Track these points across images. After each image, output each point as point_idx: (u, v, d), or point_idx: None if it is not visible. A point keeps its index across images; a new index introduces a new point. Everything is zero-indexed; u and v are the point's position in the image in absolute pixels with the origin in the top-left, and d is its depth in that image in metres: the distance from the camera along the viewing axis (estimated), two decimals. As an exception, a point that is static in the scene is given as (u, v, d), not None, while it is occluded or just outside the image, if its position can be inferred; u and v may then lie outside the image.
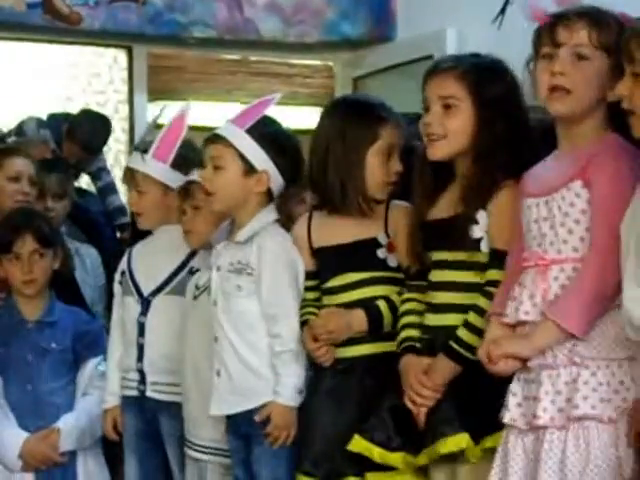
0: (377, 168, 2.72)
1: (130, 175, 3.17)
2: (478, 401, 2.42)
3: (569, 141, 2.35)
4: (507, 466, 2.29)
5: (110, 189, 4.81)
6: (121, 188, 4.90)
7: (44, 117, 4.76)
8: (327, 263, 2.80)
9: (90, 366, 3.34)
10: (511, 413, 2.29)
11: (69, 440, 3.29)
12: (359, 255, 2.75)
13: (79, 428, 3.31)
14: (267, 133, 2.82)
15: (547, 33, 2.31)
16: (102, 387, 3.26)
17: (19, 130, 4.55)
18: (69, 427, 3.30)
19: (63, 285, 3.49)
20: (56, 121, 4.68)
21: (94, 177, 4.78)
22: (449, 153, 2.56)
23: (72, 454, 3.33)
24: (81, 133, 4.61)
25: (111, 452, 3.38)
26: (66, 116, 4.71)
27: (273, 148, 2.81)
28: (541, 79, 2.33)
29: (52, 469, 3.30)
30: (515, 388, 2.31)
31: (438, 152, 2.57)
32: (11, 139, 4.50)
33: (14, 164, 3.76)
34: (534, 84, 2.37)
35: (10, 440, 3.27)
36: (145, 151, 3.13)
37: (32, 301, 3.34)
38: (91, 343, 3.37)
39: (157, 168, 3.11)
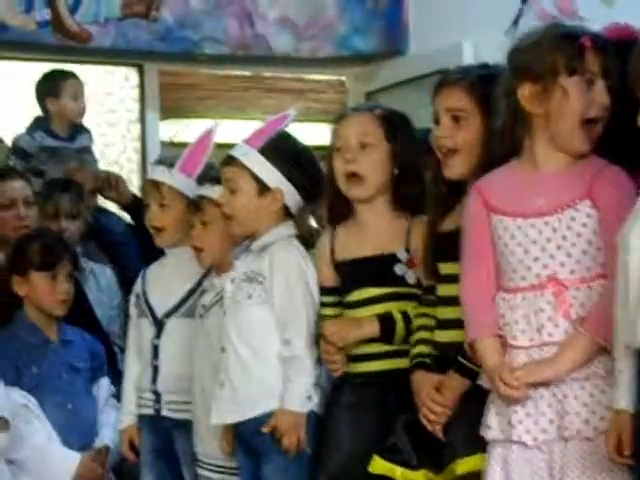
0: None
1: (153, 188, 3.14)
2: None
3: (545, 161, 2.32)
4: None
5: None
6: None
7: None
8: (347, 276, 2.80)
9: (104, 385, 3.36)
10: (518, 430, 2.27)
11: (113, 456, 3.31)
12: (377, 270, 2.74)
13: (115, 444, 3.32)
14: (280, 150, 2.83)
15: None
16: (118, 406, 3.28)
17: (17, 149, 4.49)
18: (113, 444, 3.31)
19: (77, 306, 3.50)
20: (39, 122, 4.61)
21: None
22: (465, 170, 2.54)
23: None
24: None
25: (128, 473, 3.37)
26: (41, 114, 4.65)
27: (287, 164, 2.82)
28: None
29: None
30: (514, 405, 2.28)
31: (455, 171, 2.55)
32: (13, 161, 4.43)
33: (5, 190, 3.71)
34: None
35: (62, 461, 3.24)
36: (171, 165, 3.12)
37: (51, 321, 3.35)
38: (102, 363, 3.41)
39: (184, 181, 3.10)
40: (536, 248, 2.29)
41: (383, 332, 2.69)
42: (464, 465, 2.40)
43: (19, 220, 3.70)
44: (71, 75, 4.62)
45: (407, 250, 2.72)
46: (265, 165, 2.80)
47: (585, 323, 2.25)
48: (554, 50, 2.29)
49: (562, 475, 2.24)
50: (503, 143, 2.39)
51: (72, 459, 3.24)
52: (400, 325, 2.68)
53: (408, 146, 2.76)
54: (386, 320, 2.69)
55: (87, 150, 4.60)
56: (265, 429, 2.73)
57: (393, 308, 2.71)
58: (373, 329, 2.70)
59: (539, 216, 2.29)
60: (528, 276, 2.30)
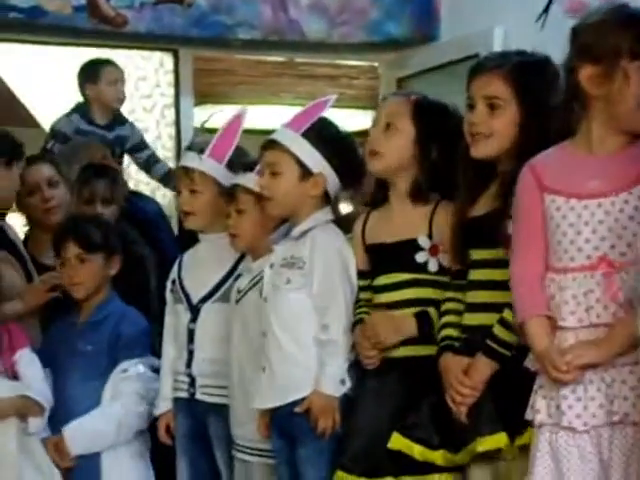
0: None
1: (184, 174, 3.17)
2: (513, 399, 2.41)
3: (601, 143, 2.32)
4: (560, 465, 2.28)
5: (155, 158, 4.80)
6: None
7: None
8: (375, 261, 2.82)
9: (117, 370, 3.29)
10: (568, 416, 2.27)
11: (78, 444, 3.23)
12: (399, 256, 2.76)
13: (91, 432, 3.24)
14: (323, 135, 2.84)
15: None
16: (129, 391, 3.25)
17: (54, 132, 4.56)
18: (76, 432, 3.23)
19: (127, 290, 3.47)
20: (79, 106, 4.67)
21: (135, 150, 4.77)
22: (492, 152, 2.56)
23: (97, 455, 3.27)
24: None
25: (164, 457, 3.35)
26: (82, 100, 4.71)
27: (329, 150, 2.83)
28: None
29: (75, 470, 3.25)
30: (564, 390, 2.28)
31: (481, 151, 2.56)
32: (50, 144, 4.50)
33: (29, 176, 3.72)
34: None
35: None
36: (201, 151, 3.14)
37: (87, 303, 3.36)
38: (125, 345, 3.30)
39: (214, 167, 3.12)
40: (588, 229, 2.28)
41: (421, 333, 2.71)
42: (485, 443, 2.43)
43: (45, 202, 3.73)
44: (110, 62, 4.72)
45: (430, 237, 2.74)
46: (309, 150, 2.82)
47: (634, 307, 2.22)
48: (618, 32, 2.25)
49: (610, 460, 2.23)
50: (561, 121, 2.37)
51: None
52: (437, 324, 2.69)
53: (437, 135, 2.75)
54: (424, 322, 2.71)
55: (121, 141, 4.67)
56: (298, 409, 2.75)
57: (418, 294, 2.72)
58: (411, 330, 2.71)
59: (593, 197, 2.28)
60: (578, 257, 2.29)
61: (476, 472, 2.52)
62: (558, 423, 2.27)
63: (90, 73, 4.64)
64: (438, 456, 2.55)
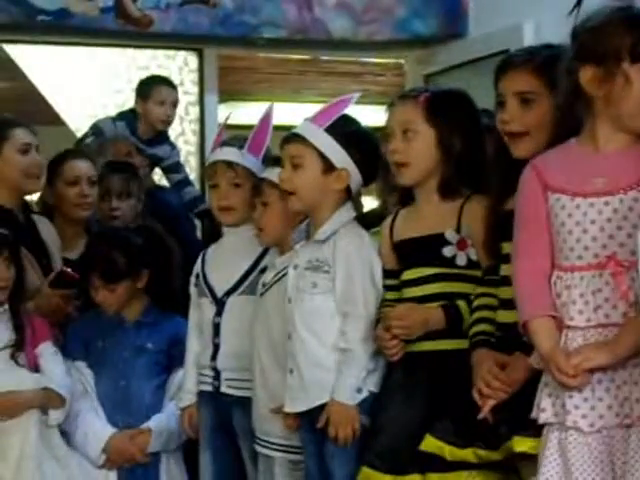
0: None
1: (226, 169, 3.15)
2: None
3: (607, 141, 2.29)
4: (569, 465, 2.24)
5: (186, 182, 4.84)
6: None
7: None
8: (403, 256, 2.80)
9: (181, 374, 3.35)
10: (573, 415, 2.23)
11: (158, 441, 3.33)
12: (427, 250, 2.74)
13: (168, 431, 3.35)
14: (346, 131, 2.84)
15: None
16: None
17: (96, 129, 4.60)
18: (160, 429, 3.33)
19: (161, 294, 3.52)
20: (127, 115, 4.72)
21: (168, 171, 4.80)
22: (534, 150, 2.51)
23: (155, 455, 3.36)
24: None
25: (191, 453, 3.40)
26: (133, 110, 4.74)
27: (353, 146, 2.82)
28: None
29: (135, 468, 3.33)
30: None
31: (523, 151, 2.53)
32: (89, 140, 4.54)
33: (71, 168, 3.79)
34: None
35: (97, 433, 3.30)
36: (241, 146, 3.15)
37: (129, 305, 3.41)
38: (181, 354, 3.37)
39: (253, 161, 3.14)
40: (595, 228, 2.25)
41: (449, 325, 2.68)
42: (522, 444, 2.38)
43: (82, 197, 3.77)
44: (165, 82, 4.74)
45: (458, 231, 2.71)
46: (332, 145, 2.81)
47: None
48: (619, 34, 2.24)
49: (624, 464, 2.18)
50: (563, 122, 2.36)
51: (105, 432, 3.29)
52: (467, 317, 2.66)
53: (459, 129, 2.73)
54: (452, 314, 2.68)
55: (157, 160, 4.69)
56: (318, 425, 2.74)
57: (446, 288, 2.70)
58: (439, 322, 2.68)
59: (599, 196, 2.26)
60: (585, 255, 2.26)
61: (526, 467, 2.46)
62: (564, 423, 2.23)
63: (143, 89, 4.69)
64: (469, 453, 2.51)
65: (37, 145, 3.61)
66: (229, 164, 3.14)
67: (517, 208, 2.38)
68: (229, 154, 3.17)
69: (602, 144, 2.30)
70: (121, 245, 3.42)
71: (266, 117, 3.14)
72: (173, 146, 4.83)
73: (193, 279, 3.26)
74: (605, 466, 2.21)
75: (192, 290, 3.27)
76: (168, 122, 4.72)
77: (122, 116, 4.68)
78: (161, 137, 4.72)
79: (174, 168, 4.79)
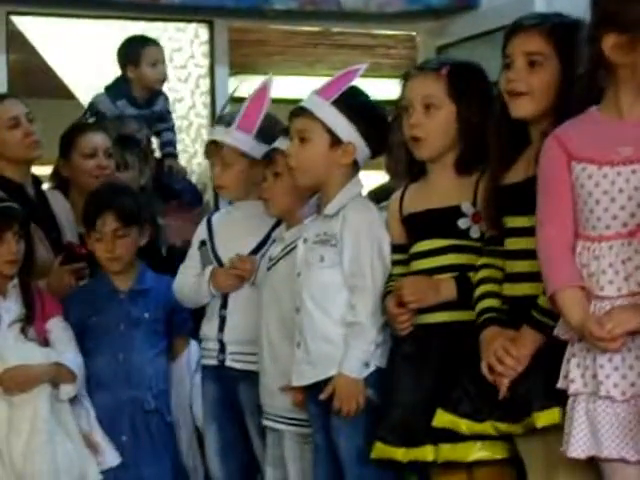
0: None
1: (214, 148, 3.17)
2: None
3: (631, 109, 2.27)
4: (598, 435, 2.24)
5: (170, 128, 4.76)
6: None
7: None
8: (413, 229, 2.78)
9: (194, 350, 3.39)
10: (605, 385, 2.23)
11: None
12: (441, 222, 2.72)
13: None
14: (353, 104, 2.81)
15: None
16: None
17: (92, 108, 4.56)
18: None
19: (152, 258, 3.53)
20: (121, 88, 4.65)
21: (161, 121, 4.74)
22: (531, 111, 2.50)
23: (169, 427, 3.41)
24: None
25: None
26: (123, 78, 4.70)
27: (360, 119, 2.80)
28: None
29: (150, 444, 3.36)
30: (600, 359, 2.24)
31: (522, 110, 2.52)
32: (90, 120, 4.50)
33: (88, 140, 3.81)
34: None
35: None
36: (229, 124, 3.12)
37: (122, 273, 3.40)
38: (186, 319, 3.42)
39: (242, 139, 3.11)
40: (623, 196, 2.24)
41: (460, 295, 2.67)
42: (543, 418, 2.37)
43: (100, 169, 3.78)
44: (151, 42, 4.69)
45: (474, 204, 2.69)
46: (339, 118, 2.79)
47: None
48: None
49: None
50: (585, 90, 2.33)
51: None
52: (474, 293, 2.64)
53: (476, 104, 2.71)
54: (463, 284, 2.66)
55: (164, 115, 4.68)
56: (322, 396, 2.74)
57: (459, 260, 2.69)
58: (451, 292, 2.67)
59: (627, 164, 2.24)
60: (614, 224, 2.25)
61: (527, 441, 2.47)
62: (595, 392, 2.23)
63: (131, 54, 4.61)
64: (488, 427, 2.50)
65: (28, 112, 3.61)
66: (216, 144, 3.14)
67: (540, 178, 2.36)
68: (215, 133, 3.19)
69: (626, 112, 2.28)
70: (128, 193, 3.48)
71: (260, 91, 3.10)
72: (165, 96, 4.76)
73: (197, 243, 3.25)
74: (635, 435, 2.22)
75: (194, 253, 3.24)
76: (164, 80, 4.67)
77: (117, 91, 4.59)
78: (155, 92, 4.66)
79: (164, 117, 4.73)
